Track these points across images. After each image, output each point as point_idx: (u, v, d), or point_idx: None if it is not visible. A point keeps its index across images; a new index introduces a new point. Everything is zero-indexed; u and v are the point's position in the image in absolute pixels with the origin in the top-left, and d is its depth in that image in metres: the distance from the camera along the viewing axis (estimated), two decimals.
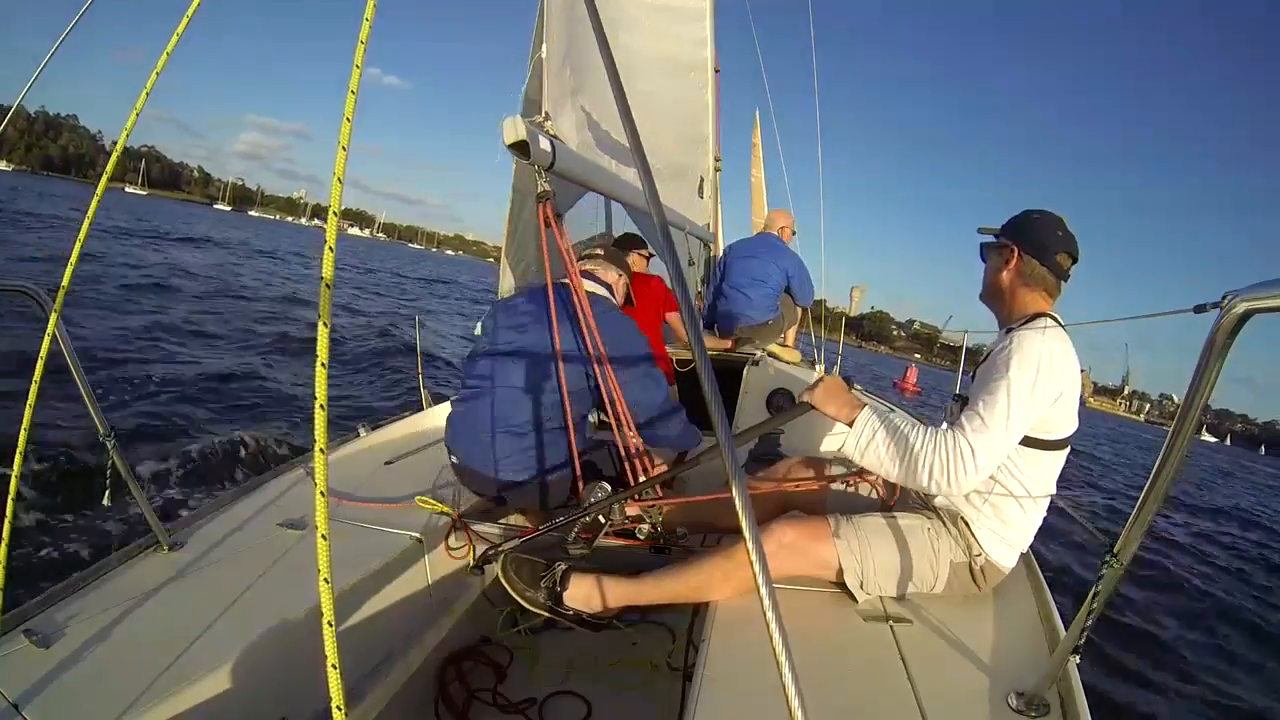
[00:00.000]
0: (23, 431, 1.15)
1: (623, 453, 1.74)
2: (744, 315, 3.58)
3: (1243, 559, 7.50)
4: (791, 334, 3.91)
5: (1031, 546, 1.52)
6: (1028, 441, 1.36)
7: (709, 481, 1.95)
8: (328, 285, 0.70)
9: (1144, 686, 3.73)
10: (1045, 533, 1.51)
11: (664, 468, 1.82)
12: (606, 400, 1.74)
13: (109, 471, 1.40)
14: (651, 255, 3.22)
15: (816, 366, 3.50)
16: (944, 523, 1.47)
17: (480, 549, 1.73)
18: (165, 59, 0.98)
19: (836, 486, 1.71)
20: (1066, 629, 1.08)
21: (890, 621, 1.34)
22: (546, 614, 1.53)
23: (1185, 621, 4.89)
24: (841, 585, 1.43)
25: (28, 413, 1.13)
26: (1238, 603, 5.65)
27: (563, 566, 1.54)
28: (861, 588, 1.41)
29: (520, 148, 1.41)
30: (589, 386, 1.83)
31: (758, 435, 1.54)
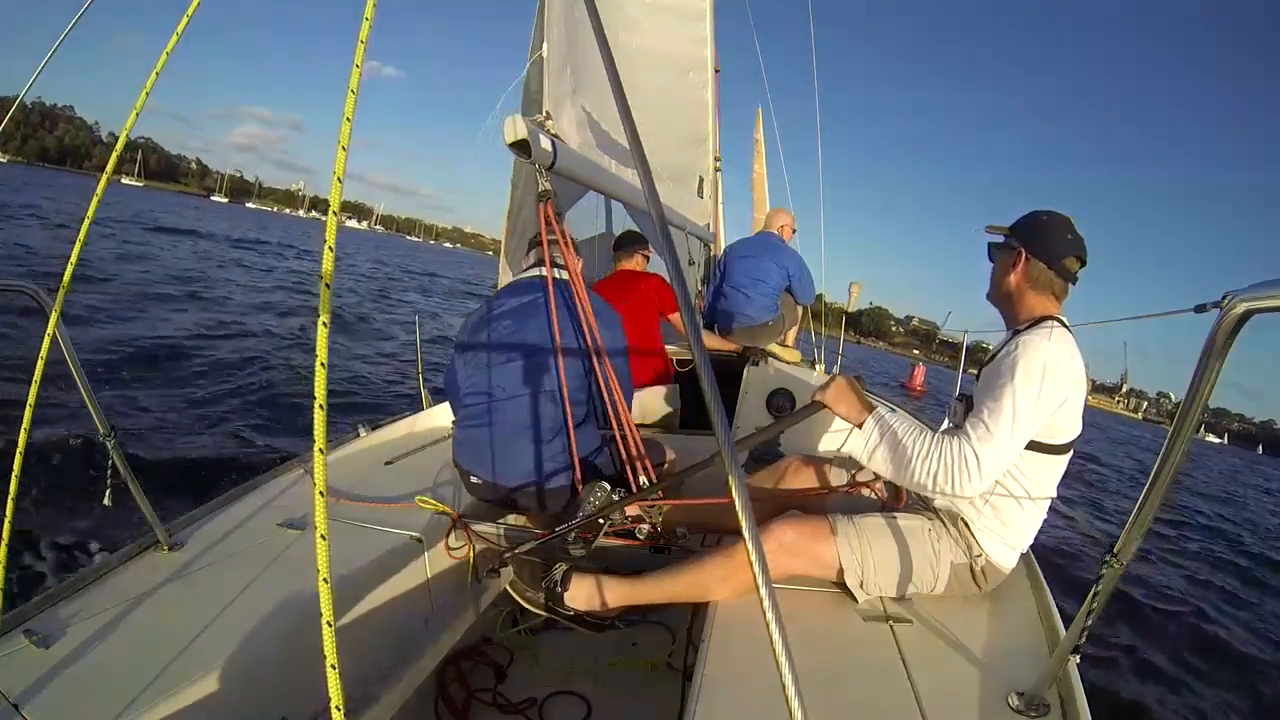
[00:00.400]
0: (23, 431, 1.15)
1: (622, 452, 1.74)
2: (744, 315, 3.57)
3: (1246, 557, 7.51)
4: (792, 334, 3.90)
5: (1031, 546, 1.53)
6: (1031, 445, 1.36)
7: (709, 482, 1.95)
8: (327, 285, 0.71)
9: (1144, 687, 3.73)
10: (1045, 533, 1.51)
11: (664, 466, 1.82)
12: (607, 399, 1.74)
13: (109, 471, 1.40)
14: (650, 255, 3.22)
15: (816, 366, 3.50)
16: (944, 523, 1.47)
17: (480, 549, 1.73)
18: (165, 59, 0.98)
19: (838, 495, 1.71)
20: (1066, 629, 1.08)
21: (890, 621, 1.34)
22: (547, 614, 1.53)
23: (1186, 621, 4.89)
24: (842, 585, 1.43)
25: (28, 413, 1.13)
26: (1239, 603, 5.65)
27: (563, 567, 1.54)
28: (861, 587, 1.41)
29: (521, 146, 1.41)
30: (587, 384, 1.83)
31: (767, 438, 1.54)
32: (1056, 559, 5.22)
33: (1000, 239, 1.53)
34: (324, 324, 0.70)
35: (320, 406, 0.69)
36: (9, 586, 1.15)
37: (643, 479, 1.64)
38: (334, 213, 0.71)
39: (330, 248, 0.71)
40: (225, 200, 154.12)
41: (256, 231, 35.73)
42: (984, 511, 1.44)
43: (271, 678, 1.23)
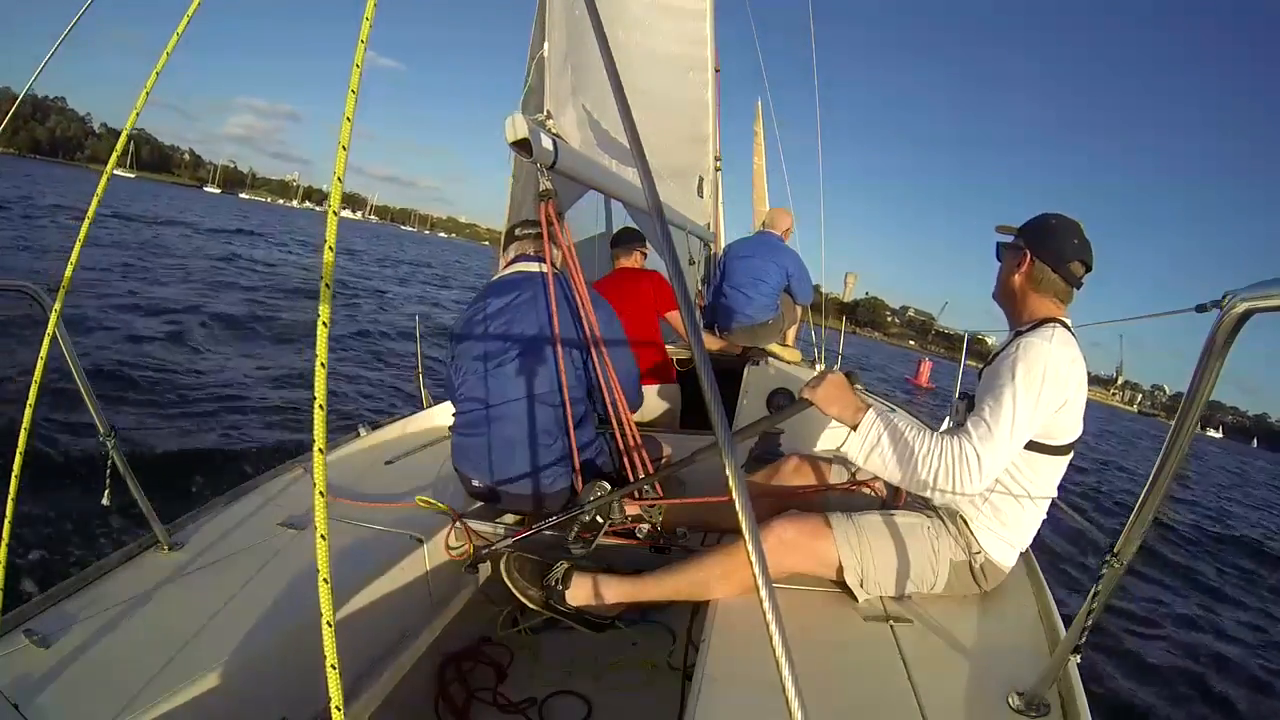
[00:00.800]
0: (23, 432, 1.15)
1: (622, 450, 1.74)
2: (744, 314, 3.58)
3: (1247, 556, 7.51)
4: (791, 333, 3.91)
5: (1031, 545, 1.53)
6: (1031, 446, 1.37)
7: (709, 482, 1.95)
8: (327, 285, 0.70)
9: (1144, 687, 3.74)
10: (1046, 532, 1.51)
11: (663, 462, 1.82)
12: (607, 398, 1.74)
13: (109, 471, 1.40)
14: (648, 253, 3.22)
15: (817, 366, 3.50)
16: (944, 522, 1.47)
17: (480, 548, 1.73)
18: (165, 58, 0.98)
19: (837, 493, 1.71)
20: (1066, 629, 1.08)
21: (890, 621, 1.34)
22: (548, 613, 1.53)
23: (1186, 621, 4.90)
24: (842, 584, 1.43)
25: (28, 413, 1.13)
26: (1239, 602, 5.65)
27: (564, 565, 1.54)
28: (861, 586, 1.41)
29: (522, 145, 1.41)
30: (585, 381, 1.83)
31: (757, 433, 1.53)
32: (1056, 559, 5.22)
33: (1009, 239, 1.54)
34: (324, 324, 0.70)
35: (320, 406, 0.69)
36: (9, 586, 1.14)
37: (640, 471, 1.64)
38: (334, 212, 0.71)
39: (330, 247, 0.71)
40: (218, 191, 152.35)
41: (239, 222, 34.72)
42: (983, 510, 1.44)
43: (271, 677, 1.23)
